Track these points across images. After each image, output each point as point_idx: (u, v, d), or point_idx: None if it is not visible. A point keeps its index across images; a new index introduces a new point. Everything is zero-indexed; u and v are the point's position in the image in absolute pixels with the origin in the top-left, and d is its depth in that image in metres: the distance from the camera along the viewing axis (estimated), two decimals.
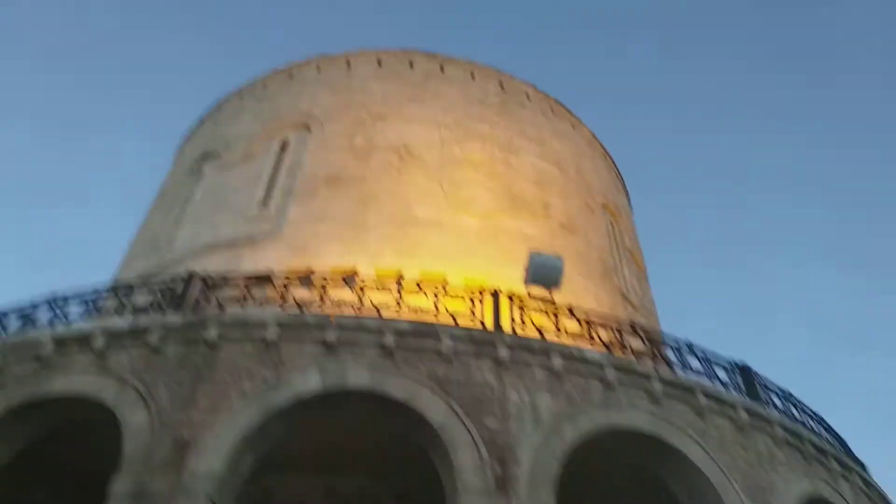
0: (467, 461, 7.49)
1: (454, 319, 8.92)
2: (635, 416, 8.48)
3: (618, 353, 9.37)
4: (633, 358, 9.29)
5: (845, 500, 9.71)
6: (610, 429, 8.34)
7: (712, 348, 10.00)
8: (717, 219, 69.33)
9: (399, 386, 7.95)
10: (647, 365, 9.07)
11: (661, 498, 8.69)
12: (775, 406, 9.86)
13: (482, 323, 9.09)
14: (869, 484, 10.72)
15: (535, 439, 7.85)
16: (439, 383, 8.02)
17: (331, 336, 8.14)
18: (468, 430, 7.68)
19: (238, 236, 13.57)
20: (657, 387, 8.71)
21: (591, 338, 9.49)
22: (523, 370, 8.46)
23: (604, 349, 9.28)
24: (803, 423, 10.05)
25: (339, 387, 7.92)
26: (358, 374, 7.98)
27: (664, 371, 9.10)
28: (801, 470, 9.30)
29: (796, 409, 10.26)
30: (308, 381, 7.86)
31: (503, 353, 8.44)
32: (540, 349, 8.68)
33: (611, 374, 8.66)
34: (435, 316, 8.95)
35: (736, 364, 9.97)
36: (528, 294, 10.46)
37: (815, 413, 10.62)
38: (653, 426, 8.44)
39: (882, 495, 11.08)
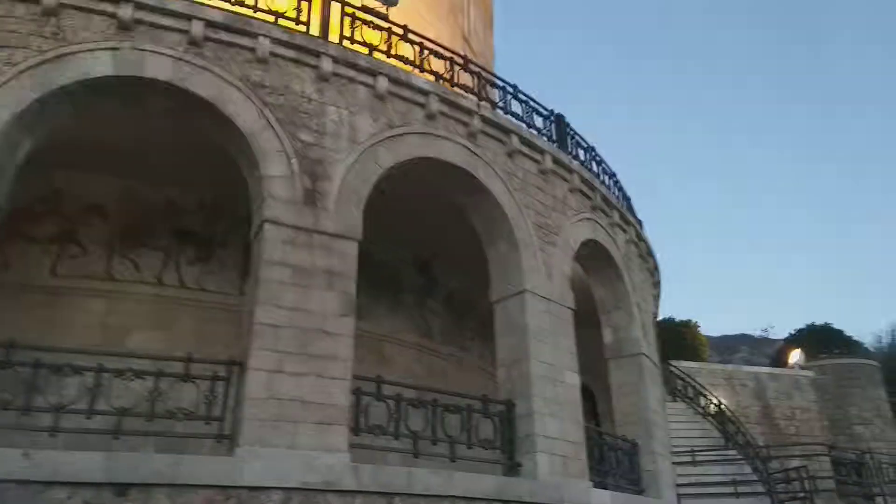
0: (276, 171, 7.20)
1: (275, 18, 7.94)
2: (451, 148, 8.56)
3: (447, 86, 9.15)
4: (460, 93, 9.15)
5: (617, 247, 11.07)
6: (424, 158, 8.38)
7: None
8: None
9: (206, 84, 7.13)
10: (471, 101, 9.01)
11: (460, 224, 9.22)
12: (579, 158, 10.53)
13: (307, 29, 8.21)
14: (640, 238, 12.28)
15: (350, 159, 7.69)
16: (252, 87, 7.34)
17: (125, 12, 6.91)
18: (280, 140, 7.28)
19: None
20: (476, 124, 8.77)
21: (423, 68, 9.10)
22: (346, 87, 7.99)
23: (433, 80, 8.99)
24: (599, 177, 10.94)
25: (135, 74, 6.94)
26: (158, 64, 6.99)
27: (486, 109, 9.13)
28: (587, 216, 10.29)
29: (597, 163, 11.07)
30: (96, 61, 6.75)
31: (327, 65, 7.81)
32: (366, 68, 8.17)
33: (434, 104, 8.49)
34: (253, 10, 7.88)
35: (553, 114, 10.30)
36: (363, 7, 9.58)
37: (611, 170, 11.58)
38: (466, 160, 8.63)
39: (649, 249, 12.82)
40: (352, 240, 7.29)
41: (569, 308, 9.30)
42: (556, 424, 8.28)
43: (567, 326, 9.19)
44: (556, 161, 9.76)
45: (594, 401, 15.58)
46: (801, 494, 12.04)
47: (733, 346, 38.00)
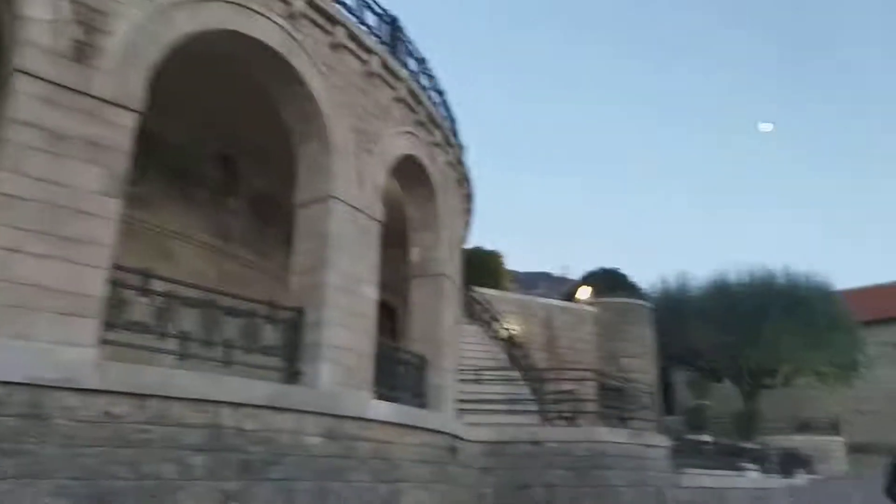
0: (40, 13, 5.87)
1: None
2: (267, 27, 7.63)
3: None
4: None
5: (436, 167, 10.93)
6: (233, 31, 7.40)
7: None
8: None
9: None
10: None
11: (272, 119, 8.45)
12: (410, 68, 10.06)
13: None
14: (460, 162, 12.25)
15: (140, 15, 6.53)
16: None
17: None
18: None
19: None
20: (299, 4, 7.88)
21: None
22: None
23: None
24: (427, 92, 10.59)
25: None
26: None
27: None
28: (409, 130, 9.96)
29: (427, 77, 10.69)
30: None
31: None
32: None
33: None
34: None
35: (388, 15, 9.66)
36: None
37: (441, 87, 11.29)
38: (282, 44, 7.76)
39: (466, 175, 12.89)
40: (129, 110, 6.25)
41: (376, 220, 9.02)
42: (345, 335, 8.09)
43: (372, 238, 8.93)
44: (383, 65, 9.19)
45: (395, 318, 15.78)
46: (567, 414, 13.22)
47: (535, 282, 40.87)
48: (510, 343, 16.86)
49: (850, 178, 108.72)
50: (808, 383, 32.58)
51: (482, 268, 21.27)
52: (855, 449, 32.88)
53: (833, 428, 32.81)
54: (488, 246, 24.24)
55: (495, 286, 21.07)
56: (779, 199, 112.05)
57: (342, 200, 8.32)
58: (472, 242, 23.88)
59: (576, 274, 31.47)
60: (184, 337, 6.57)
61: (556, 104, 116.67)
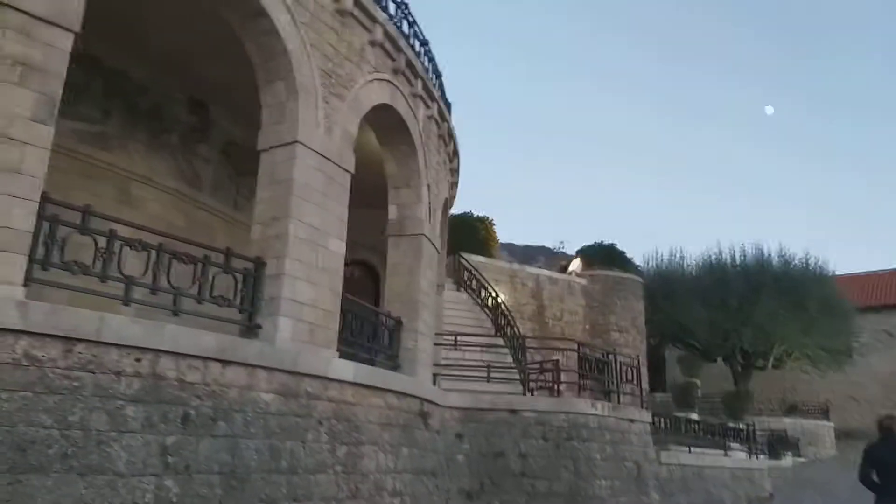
0: None
1: None
2: None
3: None
4: None
5: (416, 120, 10.38)
6: None
7: None
8: None
9: None
10: None
11: (244, 61, 7.88)
12: (388, 12, 9.46)
13: None
14: (444, 118, 11.70)
15: None
16: None
17: None
18: None
19: None
20: None
21: None
22: None
23: None
24: (408, 42, 9.98)
25: None
26: None
27: None
28: (387, 78, 9.40)
29: (409, 24, 10.08)
30: None
31: None
32: None
33: None
34: None
35: None
36: None
37: (424, 37, 10.66)
38: None
39: (450, 132, 12.33)
40: (64, 29, 5.72)
41: (346, 170, 8.51)
42: (309, 290, 7.66)
43: (341, 190, 8.43)
44: (358, 4, 8.60)
45: (378, 281, 15.36)
46: (549, 384, 12.88)
47: (533, 256, 40.47)
48: (497, 311, 16.45)
49: (850, 166, 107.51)
50: (799, 367, 32.27)
51: (473, 234, 20.78)
52: (846, 435, 32.74)
53: (823, 412, 32.64)
54: (483, 214, 23.63)
55: (485, 253, 20.60)
56: (778, 185, 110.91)
57: (308, 147, 7.81)
58: (464, 208, 23.39)
59: (573, 249, 30.99)
60: (128, 281, 6.13)
61: (560, 83, 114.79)
